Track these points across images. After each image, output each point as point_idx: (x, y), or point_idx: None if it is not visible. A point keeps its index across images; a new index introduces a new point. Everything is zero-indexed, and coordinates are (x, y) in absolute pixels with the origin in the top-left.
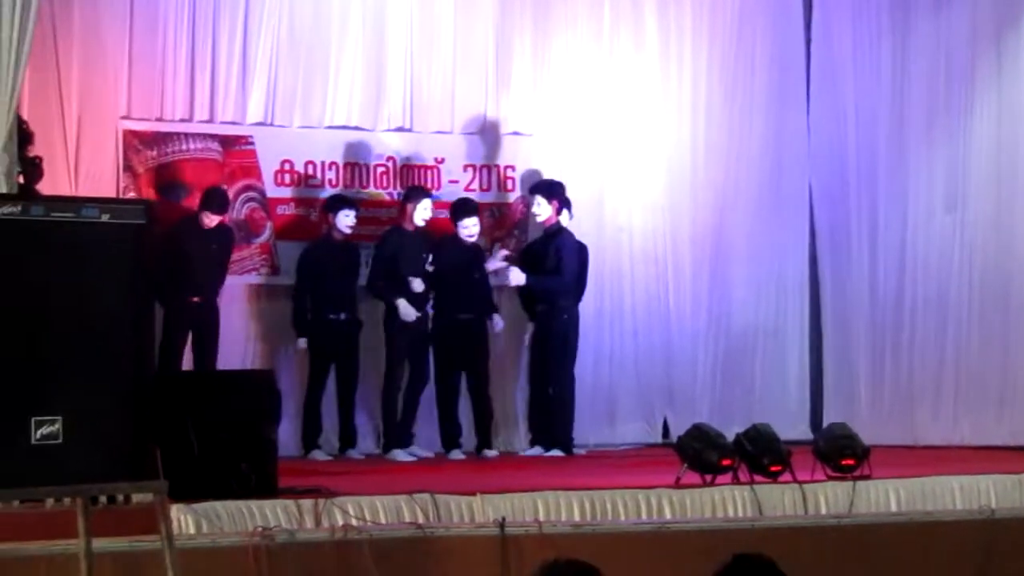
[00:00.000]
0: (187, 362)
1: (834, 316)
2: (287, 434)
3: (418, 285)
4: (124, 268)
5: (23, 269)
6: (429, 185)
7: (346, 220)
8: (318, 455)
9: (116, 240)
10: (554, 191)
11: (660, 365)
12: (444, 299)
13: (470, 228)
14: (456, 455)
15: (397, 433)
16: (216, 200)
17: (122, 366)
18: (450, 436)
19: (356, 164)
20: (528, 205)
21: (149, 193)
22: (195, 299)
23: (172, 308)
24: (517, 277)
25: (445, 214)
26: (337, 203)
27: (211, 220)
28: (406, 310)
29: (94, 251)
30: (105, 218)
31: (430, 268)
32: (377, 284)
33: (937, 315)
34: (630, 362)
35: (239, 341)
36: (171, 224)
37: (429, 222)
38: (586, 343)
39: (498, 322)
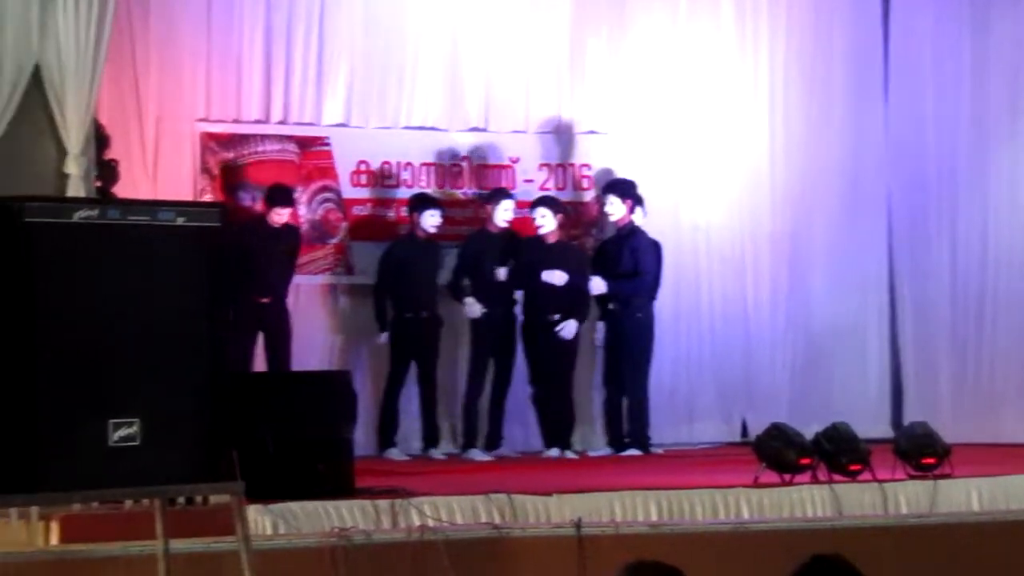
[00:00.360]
0: (259, 363)
1: (914, 314)
2: (365, 433)
3: (502, 274)
4: (199, 270)
5: (100, 272)
6: (504, 185)
7: (431, 220)
8: (393, 453)
9: (191, 242)
10: (627, 190)
11: (738, 364)
12: (531, 301)
13: (537, 219)
14: (552, 453)
15: (483, 433)
16: (282, 194)
17: (198, 368)
18: (551, 434)
19: (431, 164)
20: (602, 204)
21: (226, 195)
22: (264, 300)
23: (241, 309)
24: (598, 286)
25: (524, 214)
26: (422, 203)
27: (280, 216)
28: (471, 307)
29: (169, 253)
30: (180, 221)
31: (502, 276)
32: (457, 284)
33: (1019, 311)
34: (708, 361)
35: (315, 341)
36: (239, 225)
37: (513, 223)
38: (663, 342)
39: (567, 328)
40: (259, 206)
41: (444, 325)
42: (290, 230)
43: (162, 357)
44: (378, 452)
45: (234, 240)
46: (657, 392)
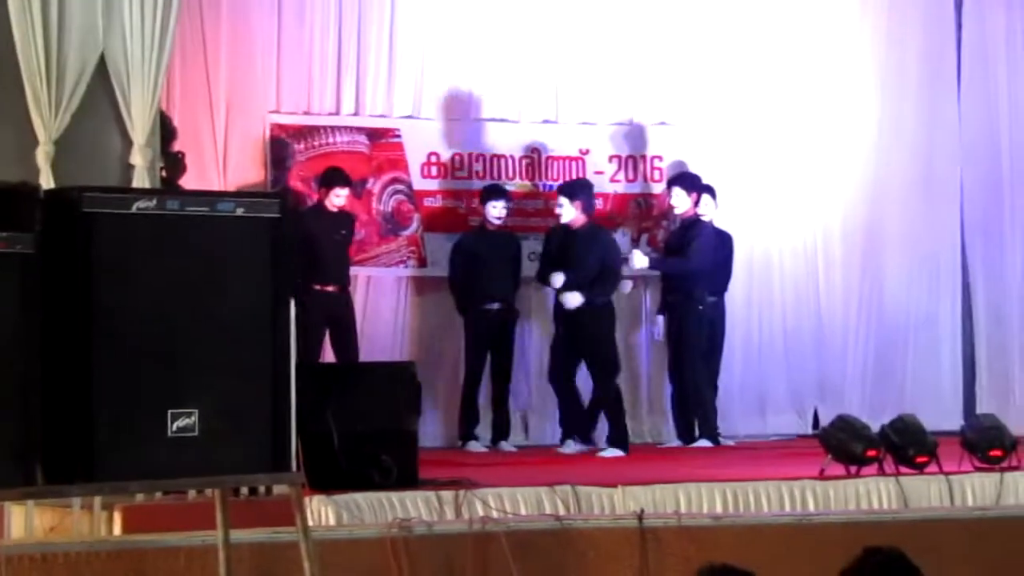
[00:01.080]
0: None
1: (987, 306)
2: (441, 425)
3: (557, 280)
4: (260, 261)
5: (159, 262)
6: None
7: (494, 211)
8: (475, 446)
9: (251, 234)
10: (693, 182)
11: (810, 356)
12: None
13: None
14: (609, 452)
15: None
16: (337, 175)
17: (260, 359)
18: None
19: (502, 156)
20: (668, 197)
21: (297, 187)
22: (329, 288)
23: (306, 299)
24: (639, 260)
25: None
26: (488, 194)
27: (338, 197)
28: (566, 298)
29: (229, 245)
30: (240, 212)
31: (557, 283)
32: (544, 276)
33: None
34: (780, 353)
35: (388, 334)
36: (301, 214)
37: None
38: (735, 333)
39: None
40: (317, 193)
41: (519, 317)
42: (346, 215)
43: (222, 348)
44: (460, 445)
45: (298, 230)
46: (730, 384)
